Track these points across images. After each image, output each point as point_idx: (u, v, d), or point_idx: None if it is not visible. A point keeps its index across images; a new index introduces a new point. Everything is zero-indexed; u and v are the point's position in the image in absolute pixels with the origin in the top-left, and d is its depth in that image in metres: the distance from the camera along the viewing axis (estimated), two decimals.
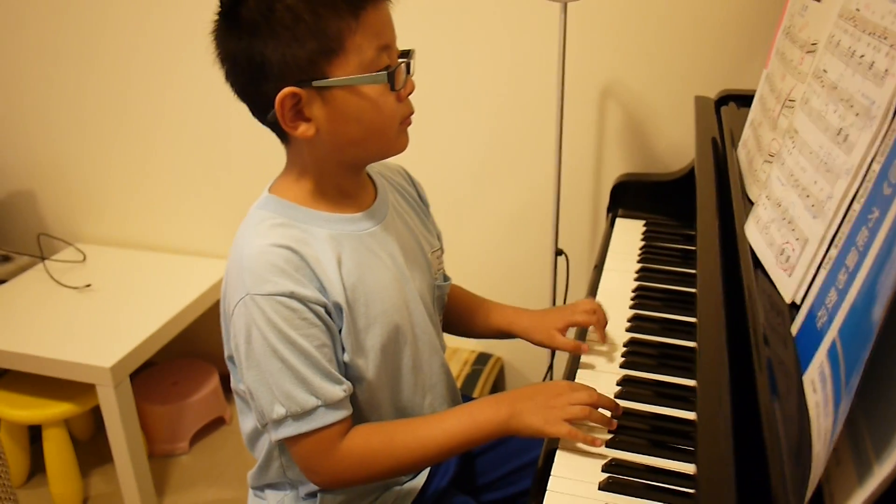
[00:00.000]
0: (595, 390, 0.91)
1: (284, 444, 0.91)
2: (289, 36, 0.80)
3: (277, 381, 0.83)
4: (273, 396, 0.84)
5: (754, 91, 1.11)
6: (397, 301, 0.94)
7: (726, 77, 1.53)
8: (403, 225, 1.00)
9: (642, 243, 1.38)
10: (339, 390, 0.85)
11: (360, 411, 0.93)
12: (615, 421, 0.89)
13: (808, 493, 0.49)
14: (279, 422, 0.85)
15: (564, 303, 1.70)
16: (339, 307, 0.87)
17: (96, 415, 1.91)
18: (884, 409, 0.46)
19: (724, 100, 1.40)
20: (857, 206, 0.60)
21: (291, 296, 0.83)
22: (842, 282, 0.57)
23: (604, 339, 1.06)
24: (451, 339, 1.70)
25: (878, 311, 0.45)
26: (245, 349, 0.85)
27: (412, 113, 0.90)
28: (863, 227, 0.56)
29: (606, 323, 1.07)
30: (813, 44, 0.84)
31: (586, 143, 1.68)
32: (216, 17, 0.85)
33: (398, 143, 0.90)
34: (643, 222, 1.46)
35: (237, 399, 0.98)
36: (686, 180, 1.42)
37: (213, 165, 2.00)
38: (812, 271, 0.68)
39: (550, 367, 1.72)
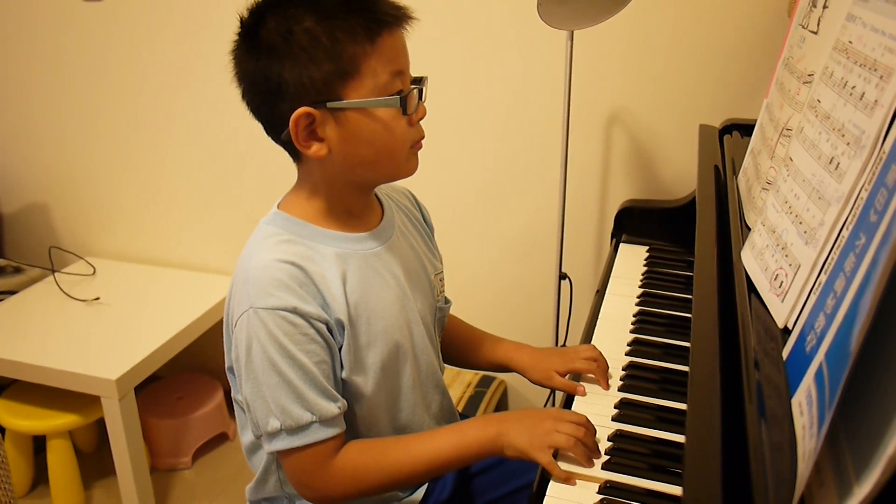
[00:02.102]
0: (583, 425, 0.90)
1: (278, 458, 0.92)
2: (306, 58, 0.82)
3: (274, 394, 0.85)
4: (269, 409, 0.85)
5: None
6: (399, 320, 0.95)
7: (731, 106, 1.54)
8: (408, 246, 1.02)
9: (645, 269, 1.39)
10: (334, 407, 0.87)
11: (357, 429, 0.94)
12: (600, 454, 0.89)
13: None
14: (273, 434, 0.86)
15: (567, 327, 1.71)
16: (341, 324, 0.89)
17: (100, 427, 1.92)
18: (865, 431, 0.47)
19: (728, 129, 1.41)
20: (846, 233, 0.61)
21: (294, 311, 0.84)
22: (830, 307, 0.58)
23: (606, 386, 1.04)
24: None
25: (857, 334, 0.46)
26: (245, 361, 0.86)
27: (423, 137, 0.92)
28: (850, 254, 0.57)
29: (608, 369, 1.06)
30: (809, 75, 0.85)
31: (591, 169, 1.69)
32: (236, 38, 0.87)
33: (408, 166, 0.92)
34: (646, 248, 1.47)
35: (237, 411, 1.00)
36: (689, 207, 1.43)
37: (223, 183, 2.03)
38: (804, 296, 0.69)
39: (552, 392, 1.73)
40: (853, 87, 0.68)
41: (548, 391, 1.73)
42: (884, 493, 0.43)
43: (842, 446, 0.49)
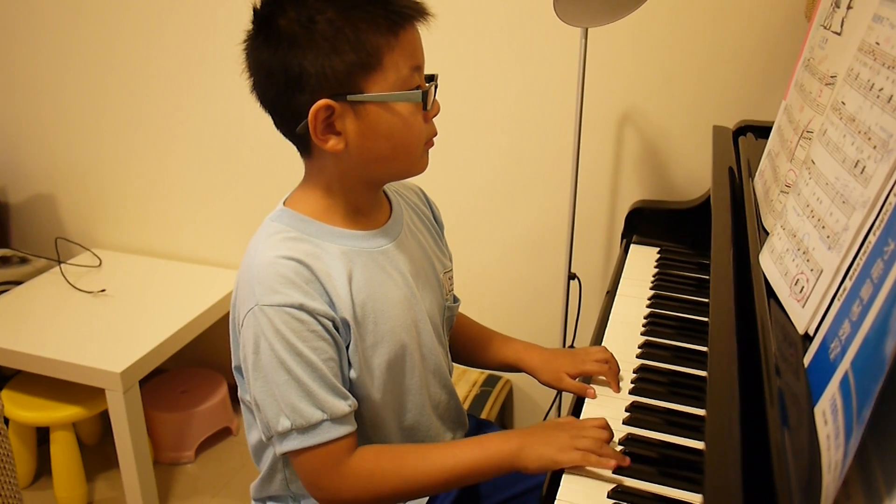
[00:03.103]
0: (604, 428, 0.89)
1: (289, 458, 0.91)
2: (328, 48, 0.81)
3: (284, 393, 0.83)
4: (279, 409, 0.84)
5: (773, 122, 1.11)
6: (406, 320, 0.94)
7: (745, 108, 1.53)
8: (417, 244, 1.00)
9: (656, 270, 1.38)
10: (344, 405, 0.85)
11: (364, 430, 0.93)
12: (627, 458, 0.87)
13: None
14: (284, 435, 0.85)
15: (576, 327, 1.70)
16: (346, 323, 0.87)
17: (104, 419, 1.92)
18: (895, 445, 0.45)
19: (742, 130, 1.40)
20: (872, 239, 0.60)
21: (301, 307, 0.83)
22: (855, 314, 0.57)
23: (617, 389, 1.03)
24: None
25: (891, 345, 0.45)
26: (253, 359, 0.85)
27: (436, 135, 0.91)
28: (878, 260, 0.56)
29: (619, 372, 1.05)
30: (832, 76, 0.84)
31: (603, 169, 1.68)
32: (251, 28, 0.86)
33: (420, 163, 0.91)
34: (657, 249, 1.46)
35: (244, 410, 0.98)
36: (702, 209, 1.42)
37: (230, 177, 2.02)
38: (826, 302, 0.67)
39: (559, 393, 1.71)
40: (881, 89, 0.67)
41: (555, 393, 1.72)
42: None
43: (871, 459, 0.48)
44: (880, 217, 0.60)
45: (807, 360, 0.65)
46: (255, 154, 1.95)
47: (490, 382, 1.88)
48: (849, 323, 0.58)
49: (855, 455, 0.48)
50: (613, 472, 0.87)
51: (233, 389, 2.06)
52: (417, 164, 0.91)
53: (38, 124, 2.16)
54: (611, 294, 1.31)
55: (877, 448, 0.47)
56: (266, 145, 1.90)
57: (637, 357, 1.11)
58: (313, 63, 0.81)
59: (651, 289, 1.31)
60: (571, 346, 1.69)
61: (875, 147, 0.65)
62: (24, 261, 2.10)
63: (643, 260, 1.43)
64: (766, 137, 1.13)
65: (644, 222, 1.50)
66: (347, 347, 0.88)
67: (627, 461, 0.86)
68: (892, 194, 0.59)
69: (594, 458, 0.85)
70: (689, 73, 1.55)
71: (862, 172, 0.66)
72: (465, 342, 1.16)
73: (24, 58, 2.08)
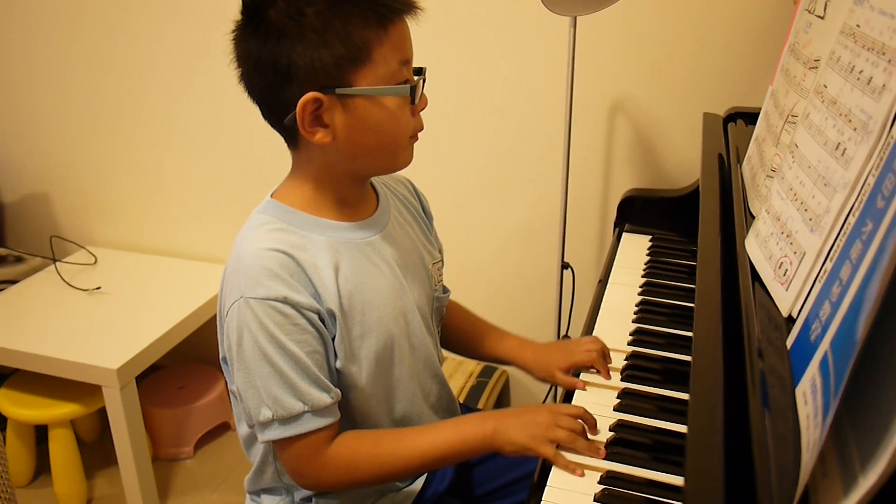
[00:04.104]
0: (580, 416, 0.91)
1: (273, 447, 0.92)
2: (318, 40, 0.81)
3: (266, 384, 0.84)
4: (260, 399, 0.85)
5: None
6: (393, 310, 0.94)
7: (736, 95, 1.53)
8: (404, 235, 1.01)
9: (648, 258, 1.38)
10: (326, 397, 0.86)
11: (354, 419, 0.94)
12: (602, 451, 0.88)
13: (795, 500, 0.49)
14: (266, 424, 0.86)
15: (570, 316, 1.70)
16: (332, 314, 0.88)
17: (102, 417, 1.93)
18: (871, 422, 0.46)
19: (732, 117, 1.40)
20: (852, 220, 0.60)
21: (285, 301, 0.83)
22: (835, 294, 0.57)
23: (607, 376, 1.04)
24: None
25: (865, 320, 0.45)
26: (237, 351, 0.86)
27: (422, 129, 0.92)
28: (856, 241, 0.56)
29: (610, 360, 1.06)
30: (815, 60, 0.84)
31: (594, 158, 1.68)
32: (239, 19, 0.85)
33: (404, 156, 0.91)
34: (649, 237, 1.46)
35: (233, 401, 0.99)
36: (693, 197, 1.42)
37: (223, 174, 2.02)
38: (808, 285, 0.67)
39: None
40: (860, 71, 0.67)
41: (549, 383, 1.73)
42: (890, 484, 0.42)
43: (847, 437, 0.48)
44: (859, 197, 0.61)
45: (789, 342, 0.65)
46: (249, 151, 1.95)
47: (486, 373, 1.89)
48: (829, 304, 0.58)
49: (832, 432, 0.49)
50: (604, 458, 0.87)
51: None
52: (401, 156, 0.91)
53: (31, 123, 2.16)
54: (603, 282, 1.31)
55: (852, 424, 0.47)
56: (260, 142, 1.90)
57: (629, 344, 1.11)
58: (302, 55, 0.81)
59: (643, 276, 1.31)
60: (566, 336, 1.70)
61: (855, 129, 0.65)
62: (19, 259, 2.10)
63: (635, 248, 1.43)
64: (756, 124, 1.13)
65: (636, 211, 1.51)
66: (333, 339, 0.89)
67: (602, 454, 0.88)
68: (870, 175, 0.60)
69: (562, 461, 0.86)
70: (680, 61, 1.55)
71: (843, 154, 0.66)
72: (460, 335, 1.16)
73: (19, 56, 2.08)
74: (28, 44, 2.05)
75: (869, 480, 0.43)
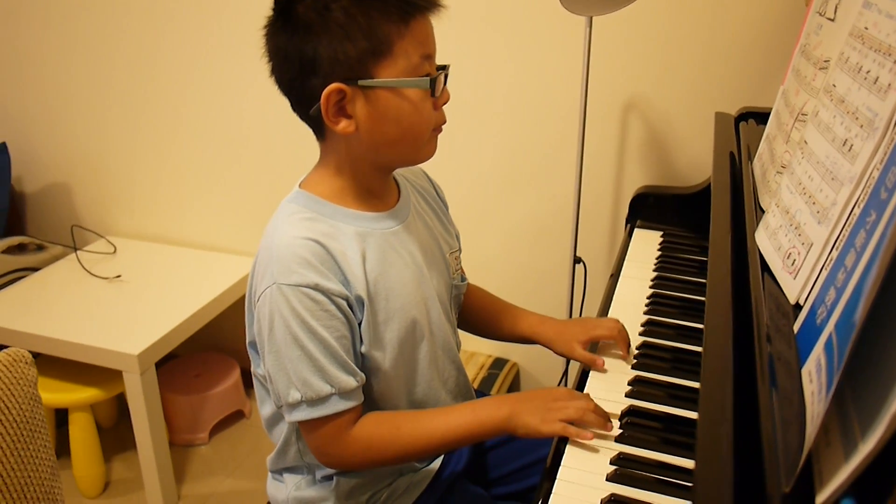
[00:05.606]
0: (588, 401, 0.94)
1: (299, 427, 0.96)
2: (342, 34, 0.85)
3: (296, 367, 0.88)
4: (290, 381, 0.89)
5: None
6: (416, 297, 0.98)
7: (747, 94, 1.56)
8: (424, 226, 1.04)
9: (659, 253, 1.41)
10: (352, 381, 0.90)
11: (375, 402, 0.97)
12: (610, 423, 0.92)
13: (798, 468, 0.52)
14: (294, 405, 0.89)
15: (581, 310, 1.73)
16: (360, 300, 0.91)
17: (120, 402, 1.97)
18: (870, 394, 0.49)
19: (744, 116, 1.43)
20: (857, 211, 0.64)
21: (316, 288, 0.87)
22: (840, 280, 0.60)
23: (626, 354, 1.08)
24: (468, 343, 1.73)
25: (864, 300, 0.49)
26: (268, 335, 0.89)
27: (445, 122, 0.95)
28: (861, 230, 0.59)
29: (629, 341, 1.10)
30: (825, 61, 0.87)
31: (608, 155, 1.71)
32: (271, 14, 0.90)
33: (427, 148, 0.95)
34: (660, 233, 1.50)
35: (256, 385, 1.03)
36: (704, 194, 1.45)
37: (240, 165, 2.06)
38: (815, 273, 0.71)
39: (565, 373, 1.76)
40: (868, 71, 0.70)
41: (560, 374, 1.76)
42: (887, 449, 0.46)
43: (849, 410, 0.51)
44: (864, 190, 0.64)
45: (796, 327, 0.69)
46: (263, 142, 1.99)
47: (497, 365, 1.93)
48: (834, 290, 0.61)
49: (835, 408, 0.52)
50: (616, 441, 0.91)
51: (245, 374, 2.11)
52: (424, 149, 0.95)
53: (50, 115, 2.21)
54: (614, 276, 1.34)
55: (853, 398, 0.51)
56: (275, 133, 1.94)
57: (640, 335, 1.15)
58: (327, 48, 0.85)
59: (654, 270, 1.35)
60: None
61: (862, 126, 0.69)
62: (40, 248, 2.15)
63: (647, 243, 1.46)
64: (766, 123, 1.17)
65: (648, 207, 1.54)
66: (360, 324, 0.93)
67: (611, 427, 0.92)
68: (875, 169, 0.63)
69: (573, 430, 0.90)
70: (693, 61, 1.58)
71: (850, 150, 0.70)
72: (480, 313, 1.20)
73: (36, 51, 2.12)
74: (44, 40, 2.10)
75: (868, 445, 0.46)
